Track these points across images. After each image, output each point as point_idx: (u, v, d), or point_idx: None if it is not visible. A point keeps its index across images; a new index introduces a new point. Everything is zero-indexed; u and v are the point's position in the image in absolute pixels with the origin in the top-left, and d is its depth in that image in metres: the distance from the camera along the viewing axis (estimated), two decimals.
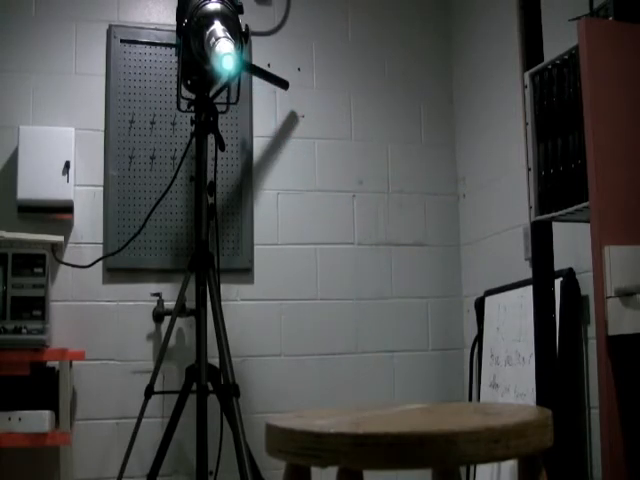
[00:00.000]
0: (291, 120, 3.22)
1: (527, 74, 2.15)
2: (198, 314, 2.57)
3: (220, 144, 2.66)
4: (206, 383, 2.51)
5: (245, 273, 3.07)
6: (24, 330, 2.55)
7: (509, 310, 2.74)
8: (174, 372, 2.91)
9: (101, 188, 2.97)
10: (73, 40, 3.03)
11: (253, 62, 3.10)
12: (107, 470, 2.82)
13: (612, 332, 1.75)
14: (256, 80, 3.13)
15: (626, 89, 1.86)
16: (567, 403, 2.34)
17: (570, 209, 1.96)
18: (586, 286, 2.38)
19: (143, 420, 2.50)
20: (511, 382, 2.66)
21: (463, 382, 3.17)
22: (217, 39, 2.39)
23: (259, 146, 3.17)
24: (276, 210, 3.14)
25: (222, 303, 2.62)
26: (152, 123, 3.04)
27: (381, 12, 3.37)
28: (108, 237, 2.94)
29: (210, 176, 2.66)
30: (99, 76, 3.02)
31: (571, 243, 2.40)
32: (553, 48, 2.11)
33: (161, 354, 2.57)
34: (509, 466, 2.57)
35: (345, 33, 3.33)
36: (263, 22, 3.23)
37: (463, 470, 2.90)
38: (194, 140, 2.69)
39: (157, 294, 2.92)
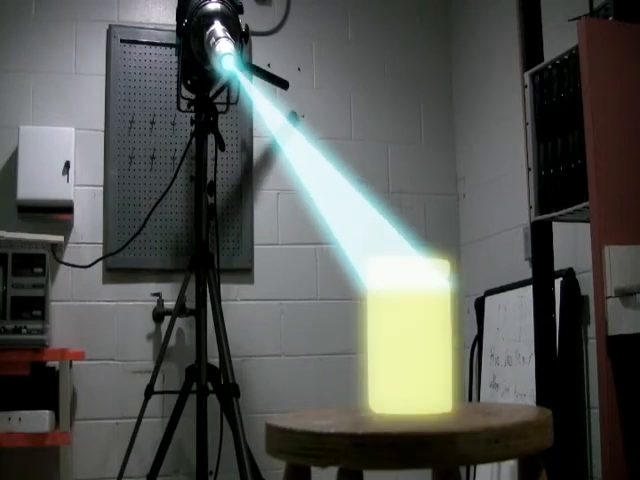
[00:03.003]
0: (291, 120, 3.22)
1: (527, 74, 2.15)
2: (198, 314, 2.57)
3: (220, 144, 2.67)
4: (206, 383, 2.51)
5: (245, 273, 3.07)
6: (24, 330, 2.55)
7: (509, 310, 2.74)
8: (174, 372, 2.91)
9: (101, 188, 2.97)
10: (73, 40, 3.03)
11: (253, 62, 3.10)
12: (107, 470, 2.82)
13: (612, 332, 1.75)
14: (256, 80, 3.12)
15: (626, 89, 1.86)
16: (567, 403, 2.34)
17: (570, 209, 1.96)
18: (586, 286, 2.38)
19: (143, 420, 2.50)
20: (511, 382, 2.66)
21: (463, 382, 3.17)
22: (217, 39, 2.40)
23: (259, 146, 3.17)
24: (276, 210, 3.14)
25: (222, 303, 2.62)
26: (152, 123, 3.03)
27: (381, 12, 3.37)
28: (108, 237, 2.94)
29: (210, 176, 2.66)
30: (99, 76, 3.02)
31: (571, 243, 2.40)
32: (553, 48, 2.11)
33: (161, 354, 2.57)
34: (509, 466, 2.57)
35: (345, 33, 3.33)
36: (263, 22, 3.23)
37: (463, 470, 2.90)
38: (194, 140, 2.69)
39: (157, 294, 2.92)
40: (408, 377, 0.94)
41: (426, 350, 0.96)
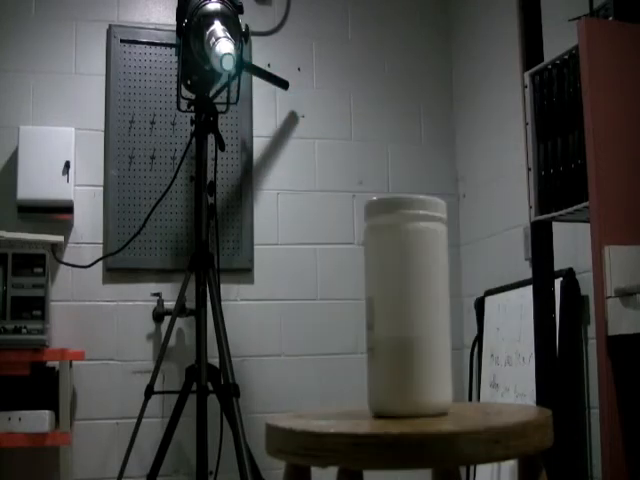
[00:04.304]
0: (291, 120, 3.22)
1: (527, 74, 2.15)
2: (198, 314, 2.57)
3: (220, 144, 2.67)
4: (206, 383, 2.51)
5: (245, 273, 3.07)
6: (24, 330, 2.55)
7: (509, 310, 2.74)
8: (174, 372, 2.91)
9: (101, 188, 2.97)
10: (73, 40, 3.03)
11: (253, 62, 3.10)
12: (107, 470, 2.82)
13: (612, 332, 1.75)
14: (256, 80, 3.13)
15: (626, 89, 1.86)
16: (567, 403, 2.34)
17: (570, 209, 1.95)
18: (586, 286, 2.38)
19: (143, 420, 2.50)
20: (511, 382, 2.66)
21: (463, 382, 3.17)
22: (217, 39, 2.39)
23: (259, 146, 3.17)
24: (276, 210, 3.14)
25: (222, 303, 2.63)
26: (152, 123, 3.04)
27: (381, 12, 3.37)
28: (108, 237, 2.94)
29: (210, 176, 2.66)
30: (99, 76, 3.02)
31: (571, 243, 2.40)
32: (553, 48, 2.11)
33: (161, 354, 2.57)
34: (509, 466, 2.57)
35: (345, 33, 3.33)
36: (263, 22, 3.23)
37: (463, 470, 2.90)
38: (194, 140, 2.69)
39: (157, 294, 2.92)
40: (408, 376, 0.94)
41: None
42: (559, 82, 2.03)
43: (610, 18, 1.97)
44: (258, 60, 3.14)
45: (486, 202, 3.11)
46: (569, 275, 2.42)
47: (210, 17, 2.49)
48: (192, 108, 2.67)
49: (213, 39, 2.41)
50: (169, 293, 2.94)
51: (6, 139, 2.88)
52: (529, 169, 2.11)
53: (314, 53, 3.28)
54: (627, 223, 1.81)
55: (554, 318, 2.20)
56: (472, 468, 2.86)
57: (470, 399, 3.09)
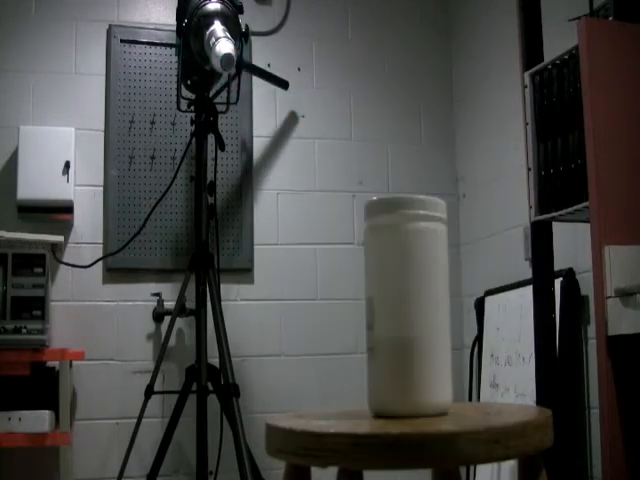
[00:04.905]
0: (291, 120, 3.22)
1: (527, 74, 2.15)
2: (198, 314, 2.57)
3: (220, 144, 2.67)
4: (206, 383, 2.51)
5: (245, 273, 3.07)
6: (24, 330, 2.55)
7: (509, 310, 2.74)
8: (174, 372, 2.91)
9: (101, 188, 2.97)
10: (73, 40, 3.03)
11: (253, 62, 3.10)
12: (107, 470, 2.82)
13: (612, 332, 1.75)
14: (256, 80, 3.13)
15: (626, 89, 1.86)
16: (567, 403, 2.34)
17: (570, 209, 1.95)
18: (586, 286, 2.38)
19: (143, 420, 2.50)
20: (511, 382, 2.66)
21: (463, 382, 3.17)
22: (217, 39, 2.39)
23: (259, 146, 3.17)
24: (276, 210, 3.14)
25: (222, 303, 2.62)
26: (152, 123, 3.03)
27: (381, 12, 3.37)
28: (108, 237, 2.94)
29: (210, 176, 2.66)
30: (99, 76, 3.02)
31: (571, 243, 2.40)
32: (553, 48, 2.11)
33: (161, 354, 2.57)
34: (509, 466, 2.57)
35: (345, 33, 3.33)
36: (263, 22, 3.23)
37: (463, 470, 2.90)
38: (194, 140, 2.69)
39: (157, 294, 2.92)
40: (408, 376, 0.94)
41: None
42: (559, 82, 2.03)
43: (610, 18, 1.97)
44: (258, 60, 3.14)
45: (486, 202, 3.11)
46: (569, 275, 2.42)
47: (210, 17, 2.49)
48: (192, 108, 2.67)
49: (213, 39, 2.41)
50: (169, 293, 2.94)
51: (6, 139, 2.88)
52: (529, 169, 2.11)
53: (314, 53, 3.28)
54: (627, 223, 1.81)
55: (554, 318, 2.19)
56: (472, 468, 2.86)
57: (470, 399, 3.09)
